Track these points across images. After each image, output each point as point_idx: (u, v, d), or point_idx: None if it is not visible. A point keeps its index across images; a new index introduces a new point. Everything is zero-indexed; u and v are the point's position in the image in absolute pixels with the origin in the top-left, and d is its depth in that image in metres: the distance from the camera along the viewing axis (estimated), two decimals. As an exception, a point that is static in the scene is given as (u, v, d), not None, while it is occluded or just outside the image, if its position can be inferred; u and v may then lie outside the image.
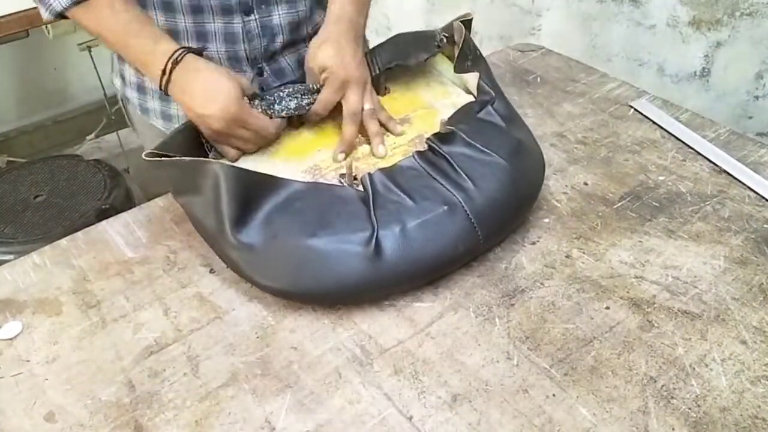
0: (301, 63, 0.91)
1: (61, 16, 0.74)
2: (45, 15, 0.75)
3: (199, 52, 0.76)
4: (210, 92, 0.73)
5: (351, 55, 0.78)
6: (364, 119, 0.79)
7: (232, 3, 0.81)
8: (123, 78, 0.92)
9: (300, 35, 0.89)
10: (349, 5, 0.81)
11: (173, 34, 0.82)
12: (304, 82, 0.83)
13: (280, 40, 0.87)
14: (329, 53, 0.77)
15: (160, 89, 0.74)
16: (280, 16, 0.85)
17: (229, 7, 0.81)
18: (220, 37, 0.83)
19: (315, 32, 0.86)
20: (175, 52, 0.73)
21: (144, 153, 0.70)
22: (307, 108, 0.79)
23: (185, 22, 0.82)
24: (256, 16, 0.83)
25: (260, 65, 0.88)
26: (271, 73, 0.89)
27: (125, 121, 1.02)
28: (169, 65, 0.73)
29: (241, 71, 0.86)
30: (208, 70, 0.74)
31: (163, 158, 0.69)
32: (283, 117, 0.78)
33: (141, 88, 0.90)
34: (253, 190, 0.67)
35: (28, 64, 2.06)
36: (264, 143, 0.78)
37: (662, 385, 0.60)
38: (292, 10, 0.86)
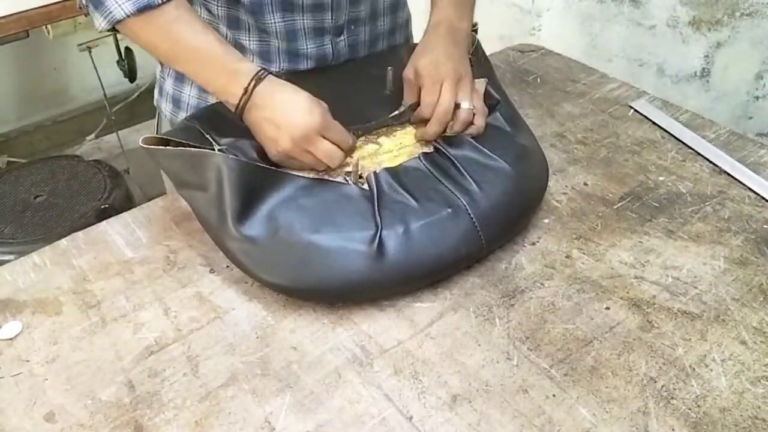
0: (375, 39, 0.91)
1: (114, 28, 0.71)
2: (101, 24, 0.70)
3: (278, 75, 0.74)
4: (295, 103, 0.70)
5: (445, 56, 0.76)
6: (458, 116, 0.76)
7: (325, 26, 0.82)
8: (161, 90, 0.92)
9: (377, 48, 0.91)
10: (449, 9, 0.80)
11: (264, 55, 0.83)
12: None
13: (362, 53, 0.89)
14: (424, 61, 0.77)
15: (236, 110, 0.71)
16: (365, 33, 0.88)
17: (323, 29, 0.82)
18: (312, 58, 0.84)
19: (391, 47, 0.90)
20: (259, 71, 0.70)
21: (142, 138, 0.69)
22: (384, 122, 0.79)
23: (279, 45, 0.82)
24: (345, 37, 0.85)
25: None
26: (347, 45, 0.88)
27: (125, 121, 1.02)
28: (252, 83, 0.70)
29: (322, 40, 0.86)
30: (291, 88, 0.72)
31: (168, 147, 0.69)
32: (362, 130, 0.78)
33: (176, 102, 0.89)
34: (257, 183, 0.67)
35: (29, 65, 2.06)
36: (338, 161, 0.72)
37: (662, 386, 0.60)
38: (373, 26, 0.88)
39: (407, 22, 0.96)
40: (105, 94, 1.94)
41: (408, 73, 0.79)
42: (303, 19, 0.80)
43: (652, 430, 0.56)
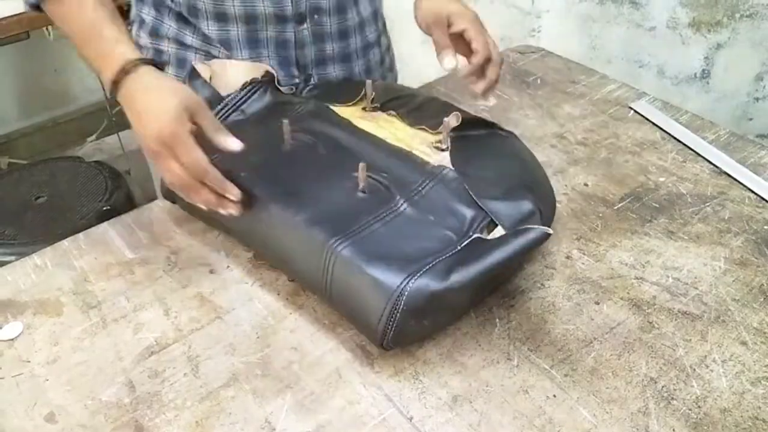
0: (348, 80, 0.92)
1: (37, 8, 0.73)
2: (25, 6, 0.74)
3: (154, 64, 0.69)
4: (151, 110, 0.65)
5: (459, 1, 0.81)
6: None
7: (286, 13, 0.82)
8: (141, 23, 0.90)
9: (349, 47, 0.91)
10: None
11: (225, 42, 0.83)
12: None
13: (330, 48, 0.88)
14: (453, 7, 0.80)
15: (111, 96, 0.69)
16: (331, 25, 0.87)
17: (284, 16, 0.82)
18: (272, 44, 0.84)
19: (364, 45, 0.91)
20: (128, 63, 0.67)
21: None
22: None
23: (238, 31, 0.82)
24: (309, 25, 0.85)
25: (310, 72, 0.89)
26: (310, 34, 0.87)
27: (126, 122, 1.02)
28: (121, 75, 0.67)
29: (290, 76, 0.88)
30: (156, 87, 0.66)
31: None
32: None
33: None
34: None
35: (29, 66, 2.06)
36: (198, 177, 0.65)
37: (663, 386, 0.60)
38: (341, 18, 0.88)
39: (377, 17, 0.96)
40: (106, 95, 1.92)
41: (429, 16, 0.81)
42: (263, 6, 0.80)
43: (652, 430, 0.57)
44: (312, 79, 0.89)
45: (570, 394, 0.59)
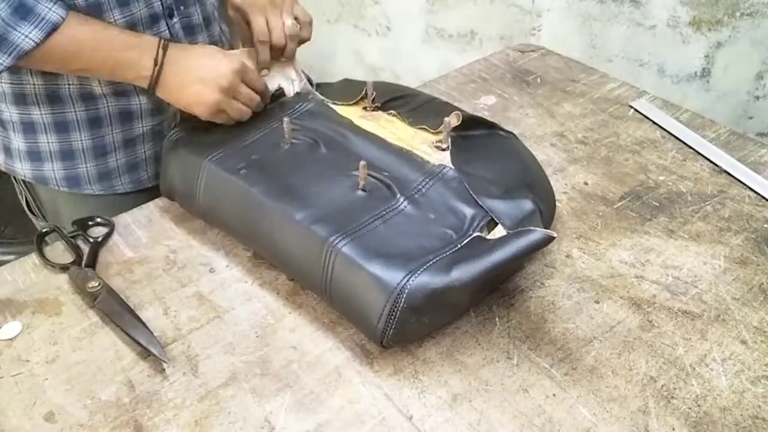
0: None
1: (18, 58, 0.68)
2: (5, 62, 0.67)
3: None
4: (210, 56, 0.75)
5: None
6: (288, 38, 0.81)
7: (157, 10, 0.80)
8: (8, 150, 0.85)
9: (214, 35, 0.91)
10: None
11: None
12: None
13: (202, 39, 0.87)
14: None
15: (150, 85, 0.73)
16: (198, 15, 0.86)
17: (156, 15, 0.80)
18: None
19: (221, 29, 0.92)
20: (160, 40, 0.73)
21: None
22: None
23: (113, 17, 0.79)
24: (178, 18, 0.83)
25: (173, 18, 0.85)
26: (181, 27, 0.85)
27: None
28: (160, 52, 0.72)
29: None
30: (197, 46, 0.77)
31: None
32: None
33: (34, 155, 0.84)
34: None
35: (29, 65, 2.05)
36: (255, 106, 0.79)
37: (662, 385, 0.60)
38: (202, 5, 0.88)
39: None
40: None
41: (230, 13, 0.83)
42: (139, 10, 0.78)
43: (652, 429, 0.56)
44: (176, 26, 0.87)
45: (570, 393, 0.59)
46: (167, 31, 0.82)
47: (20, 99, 0.80)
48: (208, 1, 0.89)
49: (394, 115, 0.81)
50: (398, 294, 0.58)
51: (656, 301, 0.68)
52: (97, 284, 0.69)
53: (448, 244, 0.63)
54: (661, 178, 0.85)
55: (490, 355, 0.63)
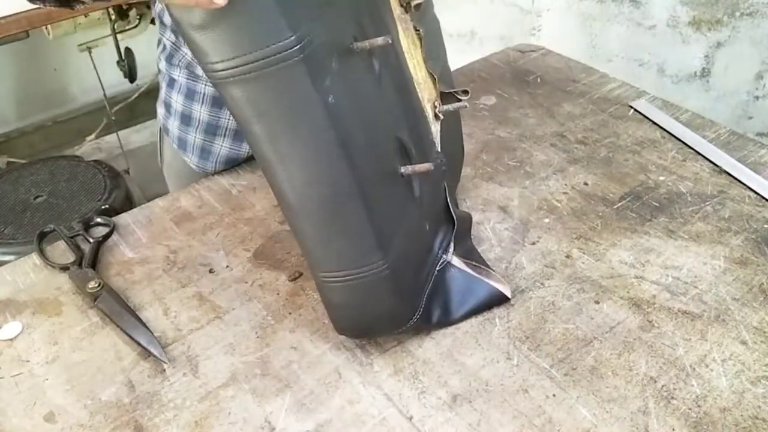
0: None
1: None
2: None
3: None
4: None
5: None
6: None
7: None
8: (168, 107, 0.90)
9: None
10: None
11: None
12: None
13: None
14: None
15: None
16: None
17: None
18: None
19: None
20: None
21: None
22: None
23: None
24: None
25: None
26: None
27: (125, 121, 1.02)
28: None
29: None
30: None
31: None
32: None
33: (185, 118, 0.87)
34: None
35: (28, 65, 2.06)
36: None
37: (662, 386, 0.60)
38: None
39: None
40: (105, 95, 1.93)
41: None
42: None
43: (652, 429, 0.56)
44: None
45: (570, 394, 0.59)
46: None
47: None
48: None
49: (419, 37, 0.66)
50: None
51: (656, 301, 0.68)
52: (97, 284, 0.69)
53: (431, 266, 0.65)
54: (661, 178, 0.85)
55: (490, 356, 0.63)
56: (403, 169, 0.58)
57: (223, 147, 0.87)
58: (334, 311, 0.61)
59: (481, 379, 0.61)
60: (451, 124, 0.72)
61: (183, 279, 0.72)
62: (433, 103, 0.67)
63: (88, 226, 0.78)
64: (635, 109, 0.99)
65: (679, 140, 0.92)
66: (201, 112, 0.86)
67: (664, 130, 0.94)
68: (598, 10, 1.52)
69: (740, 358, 0.62)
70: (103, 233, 0.77)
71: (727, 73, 1.45)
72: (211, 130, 0.86)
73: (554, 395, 0.59)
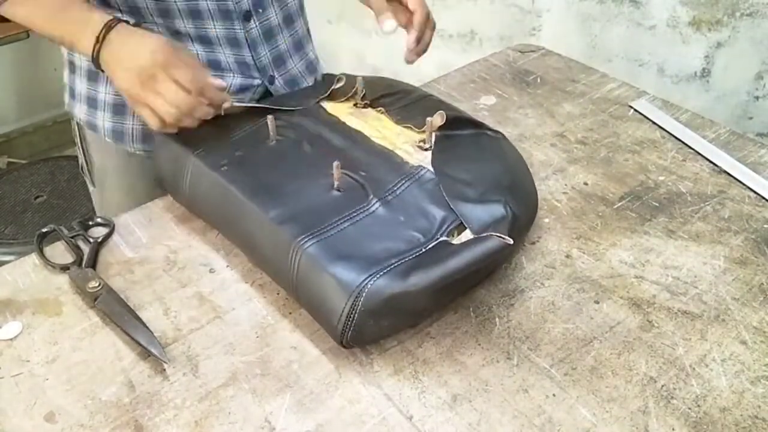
0: (310, 68, 0.93)
1: None
2: None
3: (136, 24, 0.75)
4: (141, 44, 0.70)
5: None
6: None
7: (230, 8, 0.81)
8: (72, 92, 0.91)
9: (297, 33, 0.91)
10: None
11: (174, 35, 0.82)
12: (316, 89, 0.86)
13: (281, 39, 0.88)
14: None
15: (92, 59, 0.72)
16: (276, 15, 0.87)
17: (227, 11, 0.81)
18: (224, 41, 0.84)
19: (306, 27, 0.92)
20: (111, 20, 0.71)
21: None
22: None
23: (185, 26, 0.82)
24: (257, 22, 0.84)
25: (271, 74, 0.89)
26: (283, 83, 0.90)
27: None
28: (103, 31, 0.71)
29: (251, 78, 0.87)
30: (141, 31, 0.72)
31: None
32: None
33: (91, 101, 0.88)
34: None
35: (29, 65, 2.06)
36: (184, 105, 0.70)
37: (662, 385, 0.60)
38: (283, 5, 0.88)
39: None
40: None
41: None
42: (206, 1, 0.79)
43: (652, 429, 0.56)
44: (275, 81, 0.90)
45: (570, 393, 0.59)
46: (242, 33, 0.83)
47: None
48: (289, 1, 0.89)
49: (381, 113, 0.81)
50: (356, 296, 0.59)
51: (656, 301, 0.68)
52: (97, 284, 0.69)
53: (414, 247, 0.63)
54: (661, 178, 0.85)
55: (490, 355, 0.63)
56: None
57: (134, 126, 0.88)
58: (320, 319, 0.64)
59: (481, 379, 0.61)
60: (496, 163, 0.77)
61: (183, 279, 0.72)
62: (415, 142, 0.76)
63: (87, 226, 0.78)
64: (635, 109, 0.99)
65: (679, 140, 0.92)
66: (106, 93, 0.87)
67: (664, 130, 0.94)
68: (598, 10, 1.52)
69: (740, 358, 0.62)
70: (103, 233, 0.77)
71: (727, 73, 1.45)
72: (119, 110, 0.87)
73: (554, 395, 0.59)
